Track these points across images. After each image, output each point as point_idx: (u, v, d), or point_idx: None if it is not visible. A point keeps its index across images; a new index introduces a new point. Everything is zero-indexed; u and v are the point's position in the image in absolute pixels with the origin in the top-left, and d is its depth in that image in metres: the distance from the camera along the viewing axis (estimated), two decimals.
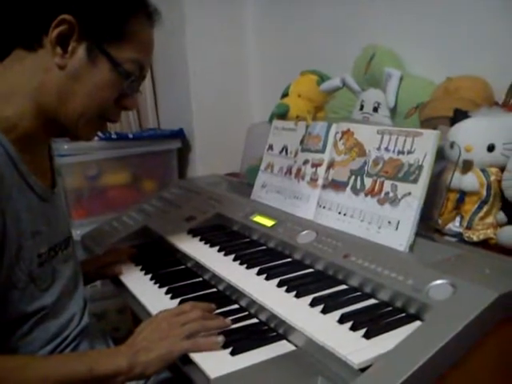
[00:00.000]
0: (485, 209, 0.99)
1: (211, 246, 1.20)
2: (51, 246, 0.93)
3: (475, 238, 0.98)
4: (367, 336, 0.74)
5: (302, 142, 1.32)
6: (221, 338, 0.82)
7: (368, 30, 1.53)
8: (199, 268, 1.16)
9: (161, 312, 0.88)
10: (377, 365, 0.68)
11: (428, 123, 1.18)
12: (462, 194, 1.02)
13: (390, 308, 0.83)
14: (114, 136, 1.85)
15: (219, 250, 1.17)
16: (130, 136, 1.88)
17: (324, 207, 1.17)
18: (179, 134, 1.99)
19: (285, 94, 1.62)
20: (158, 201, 1.62)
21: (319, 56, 1.73)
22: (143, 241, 1.42)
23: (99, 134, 1.81)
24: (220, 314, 0.95)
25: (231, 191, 1.56)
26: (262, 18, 2.01)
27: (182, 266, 1.22)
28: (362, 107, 1.41)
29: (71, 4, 0.83)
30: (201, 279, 1.14)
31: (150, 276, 1.17)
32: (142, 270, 1.22)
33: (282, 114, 1.53)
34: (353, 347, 0.72)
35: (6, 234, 0.80)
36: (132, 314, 1.33)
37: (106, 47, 0.86)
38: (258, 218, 1.25)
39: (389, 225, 1.01)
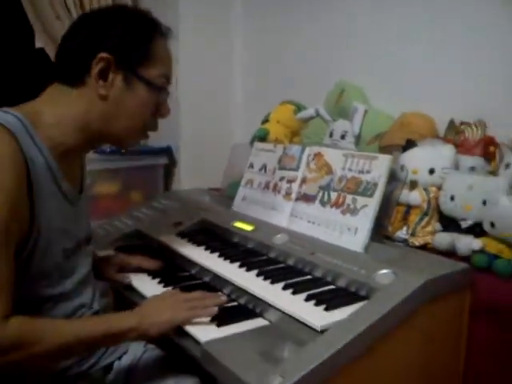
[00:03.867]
0: (425, 219, 1.21)
1: (198, 245, 1.39)
2: (77, 241, 1.08)
3: (417, 243, 1.21)
4: (327, 309, 0.95)
5: (279, 161, 1.53)
6: (216, 309, 1.02)
7: (340, 68, 1.78)
8: (187, 263, 1.34)
9: (166, 291, 1.07)
10: (334, 328, 0.88)
11: (386, 150, 1.42)
12: (409, 208, 1.25)
13: (346, 291, 1.04)
14: (107, 150, 2.03)
15: (205, 249, 1.36)
16: (123, 150, 2.07)
17: (296, 216, 1.38)
18: (167, 151, 2.19)
19: (265, 120, 1.84)
20: (148, 209, 1.80)
21: (296, 88, 1.96)
22: (134, 242, 1.60)
23: None
24: None
25: (214, 202, 1.76)
26: (247, 51, 2.26)
27: (171, 263, 1.40)
28: (331, 134, 1.63)
29: (103, 42, 0.99)
30: (188, 273, 1.32)
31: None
32: None
33: (262, 137, 1.74)
34: (316, 316, 0.93)
35: (40, 231, 0.95)
36: (114, 299, 1.45)
37: (138, 71, 1.01)
38: (239, 224, 1.45)
39: (349, 231, 1.22)
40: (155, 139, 2.31)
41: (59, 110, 1.00)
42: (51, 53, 2.24)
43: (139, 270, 1.35)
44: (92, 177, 2.03)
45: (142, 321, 0.96)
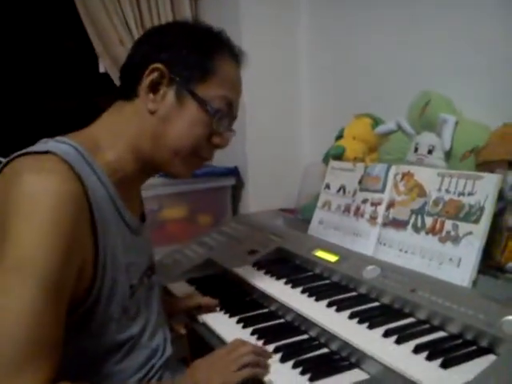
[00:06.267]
0: None
1: (277, 278, 1.28)
2: (140, 275, 0.99)
3: None
4: (444, 366, 0.80)
5: (360, 182, 1.39)
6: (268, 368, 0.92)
7: (421, 76, 1.61)
8: (266, 299, 1.23)
9: (215, 351, 0.96)
10: None
11: (485, 166, 1.24)
12: None
13: (461, 340, 0.89)
14: None
15: (286, 283, 1.24)
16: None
17: (385, 244, 1.23)
18: (234, 172, 2.10)
19: (339, 136, 1.71)
20: (219, 235, 1.71)
21: (370, 100, 1.81)
22: (206, 273, 1.51)
23: None
24: (290, 344, 1.02)
25: (288, 226, 1.64)
26: (315, 61, 2.13)
27: (248, 298, 1.29)
28: (416, 149, 1.48)
29: (160, 54, 0.91)
30: (267, 310, 1.20)
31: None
32: None
33: (338, 155, 1.61)
34: (433, 376, 0.78)
35: (105, 270, 0.85)
36: (189, 341, 1.35)
37: (192, 88, 0.91)
38: (320, 253, 1.32)
39: (450, 262, 1.07)
40: (222, 160, 2.25)
41: (114, 128, 0.94)
42: (114, 76, 2.21)
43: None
44: (158, 202, 1.98)
45: None
